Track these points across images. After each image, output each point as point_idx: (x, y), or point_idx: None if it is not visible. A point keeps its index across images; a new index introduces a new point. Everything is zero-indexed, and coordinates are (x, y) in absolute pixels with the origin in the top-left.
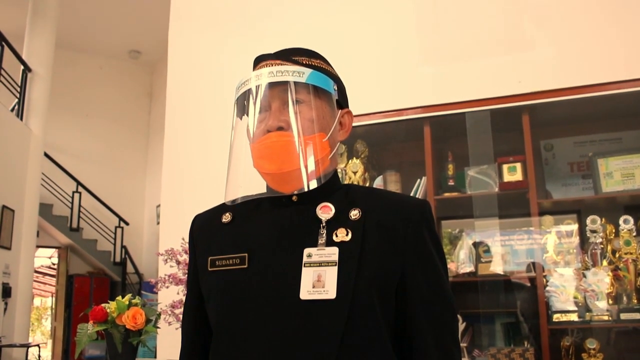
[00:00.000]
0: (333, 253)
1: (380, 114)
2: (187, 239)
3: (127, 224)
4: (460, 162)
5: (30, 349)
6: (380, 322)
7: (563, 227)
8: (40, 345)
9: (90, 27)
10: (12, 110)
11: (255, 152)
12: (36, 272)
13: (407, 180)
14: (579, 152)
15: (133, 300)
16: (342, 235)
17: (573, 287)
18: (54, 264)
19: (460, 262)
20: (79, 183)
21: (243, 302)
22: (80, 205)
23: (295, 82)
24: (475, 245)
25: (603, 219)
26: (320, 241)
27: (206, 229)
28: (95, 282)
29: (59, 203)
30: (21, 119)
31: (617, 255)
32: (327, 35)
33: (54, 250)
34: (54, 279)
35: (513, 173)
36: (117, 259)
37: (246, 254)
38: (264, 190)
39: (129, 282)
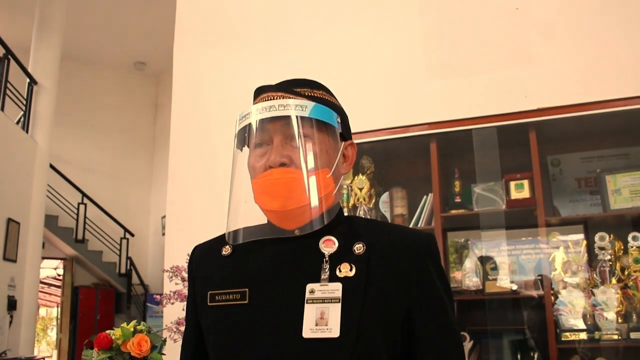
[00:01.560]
0: (336, 289)
1: (386, 130)
2: None
3: (132, 235)
4: (467, 178)
5: None
6: None
7: (571, 244)
8: (46, 358)
9: (96, 39)
10: (18, 122)
11: (256, 188)
12: (42, 282)
13: (413, 197)
14: (586, 167)
15: (138, 327)
16: (345, 270)
17: (582, 305)
18: (59, 275)
19: (466, 271)
20: (84, 194)
21: (244, 339)
22: (85, 217)
23: (297, 117)
24: (482, 261)
25: (611, 235)
26: (323, 276)
27: (206, 262)
28: (101, 294)
29: (64, 214)
30: (27, 132)
31: (626, 273)
32: (332, 51)
33: (59, 261)
34: (60, 289)
35: (520, 190)
36: (123, 270)
37: (247, 290)
38: (265, 221)
39: (134, 294)
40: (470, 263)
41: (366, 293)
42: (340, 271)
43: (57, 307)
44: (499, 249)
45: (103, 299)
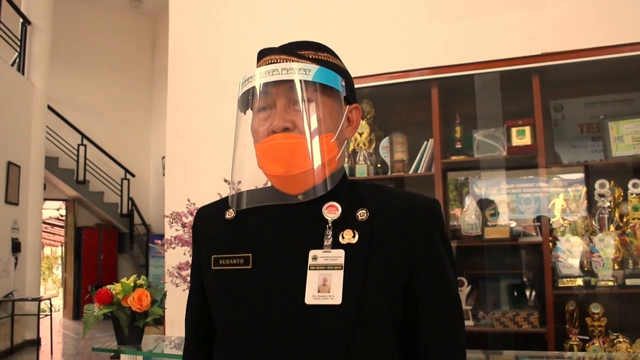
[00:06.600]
0: (339, 256)
1: (387, 75)
2: (192, 200)
3: (133, 175)
4: (468, 124)
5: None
6: (387, 327)
7: (571, 190)
8: (52, 297)
9: None
10: (13, 64)
11: (259, 152)
12: (45, 223)
13: (413, 142)
14: (589, 113)
15: (138, 281)
16: (348, 237)
17: (579, 252)
18: (62, 216)
19: (465, 208)
20: (83, 135)
21: (247, 305)
22: (85, 158)
23: (301, 81)
24: (482, 206)
25: (612, 182)
26: (325, 243)
27: (210, 225)
28: (104, 234)
29: (64, 156)
30: (22, 74)
31: (624, 220)
32: None
33: (61, 202)
34: (63, 229)
35: (522, 137)
36: (124, 211)
37: (250, 255)
38: (268, 184)
39: (136, 234)
40: (469, 201)
41: (369, 260)
42: (343, 238)
43: (61, 245)
44: (499, 187)
45: (106, 239)
